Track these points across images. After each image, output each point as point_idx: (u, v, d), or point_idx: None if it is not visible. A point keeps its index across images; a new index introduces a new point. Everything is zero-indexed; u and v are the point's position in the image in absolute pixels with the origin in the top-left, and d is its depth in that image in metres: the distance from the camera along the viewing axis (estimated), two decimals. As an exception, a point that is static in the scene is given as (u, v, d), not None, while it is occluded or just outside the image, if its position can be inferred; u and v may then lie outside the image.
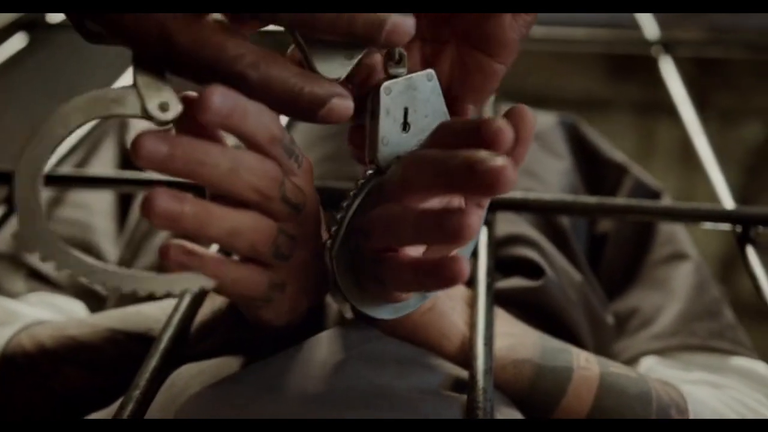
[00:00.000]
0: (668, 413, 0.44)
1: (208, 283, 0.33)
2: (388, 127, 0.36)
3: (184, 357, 0.43)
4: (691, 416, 0.45)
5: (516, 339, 0.44)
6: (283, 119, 0.51)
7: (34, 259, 0.58)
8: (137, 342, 0.45)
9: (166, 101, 0.32)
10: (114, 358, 0.45)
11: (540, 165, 0.65)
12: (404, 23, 0.33)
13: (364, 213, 0.36)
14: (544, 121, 0.73)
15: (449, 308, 0.43)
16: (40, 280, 0.58)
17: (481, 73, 0.37)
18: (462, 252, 0.40)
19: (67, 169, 0.58)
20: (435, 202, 0.37)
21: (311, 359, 0.40)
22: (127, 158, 0.65)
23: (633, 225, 0.65)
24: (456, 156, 0.30)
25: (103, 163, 0.65)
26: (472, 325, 0.42)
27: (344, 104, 0.33)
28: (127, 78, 0.32)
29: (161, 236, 0.57)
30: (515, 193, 0.53)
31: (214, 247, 0.42)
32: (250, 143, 0.32)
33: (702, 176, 0.56)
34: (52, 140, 0.32)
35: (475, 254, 0.47)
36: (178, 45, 0.30)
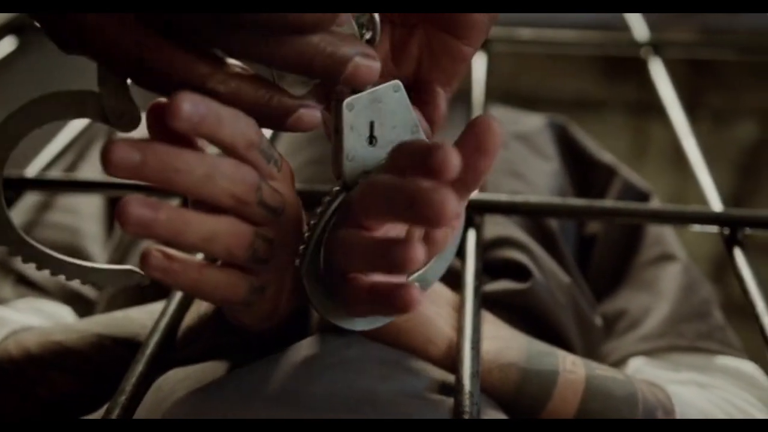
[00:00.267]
0: (654, 415, 0.44)
1: (144, 279, 0.35)
2: (352, 142, 0.35)
3: (171, 361, 0.43)
4: (678, 417, 0.45)
5: (503, 342, 0.44)
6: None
7: (22, 265, 0.58)
8: (124, 347, 0.45)
9: (127, 110, 0.32)
10: (101, 364, 0.45)
11: (528, 167, 0.65)
12: (367, 69, 0.32)
13: (334, 228, 0.36)
14: (532, 123, 0.72)
15: (434, 313, 0.43)
16: (28, 285, 0.58)
17: (450, 56, 0.37)
18: (442, 256, 0.40)
19: (56, 174, 0.58)
20: (397, 229, 0.37)
21: (294, 365, 0.40)
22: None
23: (621, 227, 0.65)
24: (402, 186, 0.29)
25: (93, 168, 0.65)
26: (459, 328, 0.42)
27: (311, 114, 0.33)
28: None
29: (149, 241, 0.57)
30: (502, 196, 0.53)
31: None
32: (226, 149, 0.32)
33: (695, 177, 0.56)
34: (10, 141, 0.32)
35: (463, 257, 0.47)
36: (149, 61, 0.30)
